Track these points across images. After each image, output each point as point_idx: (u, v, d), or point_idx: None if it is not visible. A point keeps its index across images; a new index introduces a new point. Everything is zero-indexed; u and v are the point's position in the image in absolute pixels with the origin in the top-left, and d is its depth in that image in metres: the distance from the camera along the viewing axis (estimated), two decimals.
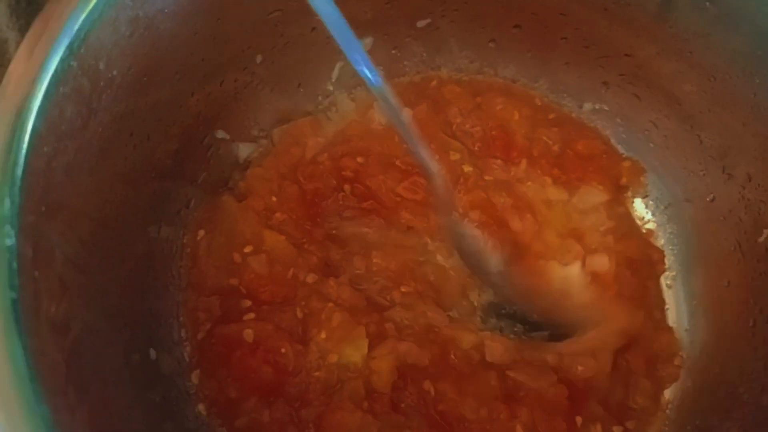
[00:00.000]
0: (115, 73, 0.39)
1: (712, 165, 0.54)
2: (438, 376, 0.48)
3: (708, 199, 0.55)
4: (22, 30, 0.75)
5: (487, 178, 0.55)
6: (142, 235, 0.47)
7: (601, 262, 0.54)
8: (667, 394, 0.53)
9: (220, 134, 0.55)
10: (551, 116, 0.59)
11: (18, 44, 0.72)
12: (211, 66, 0.50)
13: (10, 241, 0.30)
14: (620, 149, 0.60)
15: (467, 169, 0.55)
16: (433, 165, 0.46)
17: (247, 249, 0.51)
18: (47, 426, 0.27)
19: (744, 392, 0.47)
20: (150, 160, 0.46)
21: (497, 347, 0.49)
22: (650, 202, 0.59)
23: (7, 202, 0.31)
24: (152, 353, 0.46)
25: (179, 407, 0.46)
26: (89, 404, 0.32)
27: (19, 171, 0.32)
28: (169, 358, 0.48)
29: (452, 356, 0.49)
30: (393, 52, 0.59)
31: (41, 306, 0.31)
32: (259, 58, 0.53)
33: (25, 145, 0.32)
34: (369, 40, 0.57)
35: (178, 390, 0.47)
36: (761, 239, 0.51)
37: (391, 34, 0.58)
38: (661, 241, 0.58)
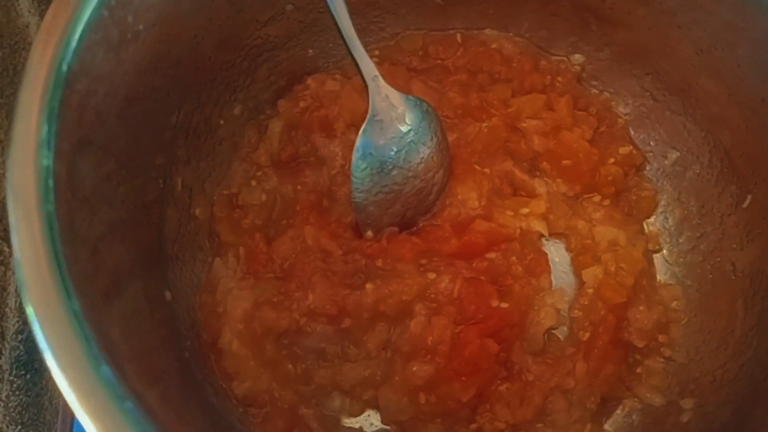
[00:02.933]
0: (141, 27, 0.43)
1: (698, 136, 0.57)
2: None
3: (696, 170, 0.58)
4: (44, 15, 0.79)
5: None
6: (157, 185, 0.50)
7: None
8: None
9: (237, 110, 0.59)
10: None
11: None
12: (227, 32, 0.53)
13: (47, 162, 0.34)
14: None
15: None
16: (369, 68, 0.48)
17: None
18: (78, 320, 0.31)
19: None
20: (169, 115, 0.50)
21: None
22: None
23: (45, 128, 0.34)
24: (167, 295, 0.49)
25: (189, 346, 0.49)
26: (116, 314, 0.35)
27: (56, 103, 0.35)
28: (181, 302, 0.51)
29: None
30: None
31: (74, 222, 0.34)
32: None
33: (62, 80, 0.36)
34: None
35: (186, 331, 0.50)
36: (745, 205, 0.54)
37: None
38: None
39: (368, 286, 0.51)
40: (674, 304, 0.57)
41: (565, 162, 0.56)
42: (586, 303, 0.55)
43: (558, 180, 0.56)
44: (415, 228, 0.55)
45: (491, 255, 0.52)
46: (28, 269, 0.31)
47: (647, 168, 0.61)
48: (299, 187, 0.57)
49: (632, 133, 0.61)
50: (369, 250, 0.53)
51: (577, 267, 0.57)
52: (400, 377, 0.50)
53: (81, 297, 0.32)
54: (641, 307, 0.55)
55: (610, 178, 0.57)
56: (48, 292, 0.30)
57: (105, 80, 0.40)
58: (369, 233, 0.53)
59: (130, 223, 0.44)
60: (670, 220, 0.60)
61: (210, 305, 0.51)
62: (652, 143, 0.61)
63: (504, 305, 0.52)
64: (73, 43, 0.37)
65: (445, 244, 0.53)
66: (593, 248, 0.56)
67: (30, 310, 0.30)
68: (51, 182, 0.33)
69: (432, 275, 0.52)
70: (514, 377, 0.52)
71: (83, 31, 0.38)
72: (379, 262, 0.53)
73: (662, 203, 0.60)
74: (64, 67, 0.36)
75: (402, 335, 0.51)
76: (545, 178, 0.56)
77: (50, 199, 0.33)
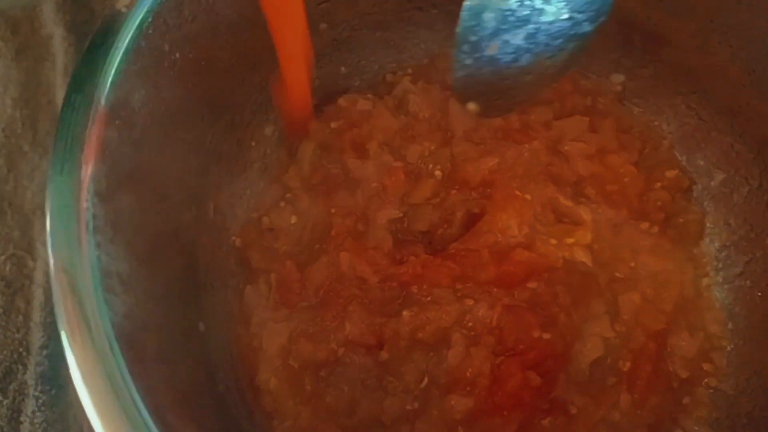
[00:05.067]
0: (177, 55, 0.42)
1: (748, 157, 0.55)
2: None
3: (744, 193, 0.56)
4: (68, 26, 0.78)
5: None
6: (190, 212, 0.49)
7: None
8: None
9: (268, 130, 0.58)
10: None
11: (63, 39, 0.76)
12: (262, 54, 0.52)
13: (88, 205, 0.32)
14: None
15: None
16: None
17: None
18: (122, 374, 0.29)
19: None
20: (202, 139, 0.49)
21: None
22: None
23: (83, 169, 0.33)
24: (201, 326, 0.48)
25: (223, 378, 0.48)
26: (152, 348, 0.34)
27: (95, 141, 0.34)
28: (215, 333, 0.50)
29: None
30: None
31: (114, 264, 0.33)
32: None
33: (100, 116, 0.35)
34: None
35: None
36: None
37: None
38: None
39: (405, 313, 0.49)
40: (716, 329, 0.55)
41: (610, 187, 0.54)
42: (624, 330, 0.53)
43: (603, 206, 0.54)
44: (445, 252, 0.53)
45: (532, 284, 0.51)
46: (68, 325, 0.29)
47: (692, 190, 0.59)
48: (333, 210, 0.55)
49: (676, 153, 0.59)
50: (405, 277, 0.52)
51: (613, 292, 0.55)
52: (437, 410, 0.48)
53: (127, 349, 0.30)
54: (684, 334, 0.53)
55: (659, 203, 0.55)
56: (89, 340, 0.29)
57: (142, 112, 0.39)
58: (471, 105, 0.42)
59: (164, 252, 0.43)
60: (716, 243, 0.58)
61: (245, 338, 0.49)
62: (696, 164, 0.59)
63: (546, 336, 0.50)
64: (111, 76, 0.36)
65: (482, 270, 0.51)
66: (633, 276, 0.54)
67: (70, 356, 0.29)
68: (92, 225, 0.32)
69: (470, 302, 0.50)
70: (557, 410, 0.50)
71: (120, 62, 0.37)
72: (415, 289, 0.51)
73: (708, 226, 0.58)
74: (102, 102, 0.35)
75: (439, 365, 0.49)
76: (591, 204, 0.54)
77: (92, 243, 0.32)
